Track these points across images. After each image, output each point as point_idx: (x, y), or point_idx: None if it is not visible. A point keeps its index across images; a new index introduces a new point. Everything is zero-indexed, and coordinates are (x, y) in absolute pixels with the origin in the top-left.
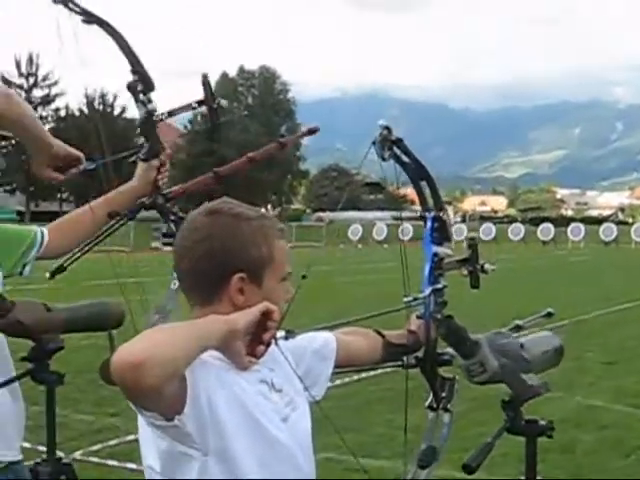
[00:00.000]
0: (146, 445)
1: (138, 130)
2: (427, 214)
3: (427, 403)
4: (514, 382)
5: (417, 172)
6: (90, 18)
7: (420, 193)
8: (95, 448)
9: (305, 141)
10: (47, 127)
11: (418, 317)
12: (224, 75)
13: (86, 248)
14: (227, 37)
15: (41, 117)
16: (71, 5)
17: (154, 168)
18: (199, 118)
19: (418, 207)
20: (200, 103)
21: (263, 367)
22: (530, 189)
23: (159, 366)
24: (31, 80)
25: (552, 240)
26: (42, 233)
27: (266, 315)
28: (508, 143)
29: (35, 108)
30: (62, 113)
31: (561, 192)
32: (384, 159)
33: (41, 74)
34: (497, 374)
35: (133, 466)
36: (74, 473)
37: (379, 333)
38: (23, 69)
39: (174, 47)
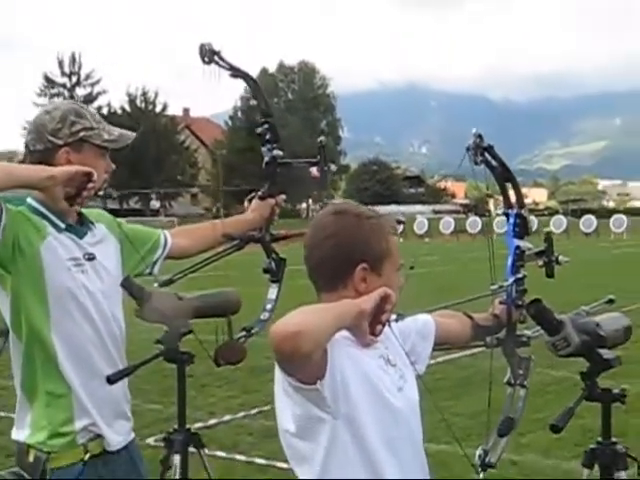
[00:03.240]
0: (282, 412)
1: (264, 169)
2: (510, 211)
3: (505, 379)
4: (592, 355)
5: (503, 174)
6: (237, 72)
7: (505, 193)
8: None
9: (345, 135)
10: None
11: (501, 302)
12: (264, 71)
13: (197, 267)
14: (266, 33)
15: None
16: (221, 63)
17: (269, 206)
18: (239, 114)
19: (458, 200)
20: (313, 164)
21: (381, 344)
22: (571, 181)
23: (312, 335)
24: (74, 79)
25: (594, 232)
26: (165, 235)
27: (384, 299)
28: (549, 134)
29: None
30: (104, 111)
31: (602, 183)
32: (477, 163)
33: (84, 73)
34: (578, 348)
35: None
36: (201, 441)
37: (468, 316)
38: (66, 68)
39: (214, 42)
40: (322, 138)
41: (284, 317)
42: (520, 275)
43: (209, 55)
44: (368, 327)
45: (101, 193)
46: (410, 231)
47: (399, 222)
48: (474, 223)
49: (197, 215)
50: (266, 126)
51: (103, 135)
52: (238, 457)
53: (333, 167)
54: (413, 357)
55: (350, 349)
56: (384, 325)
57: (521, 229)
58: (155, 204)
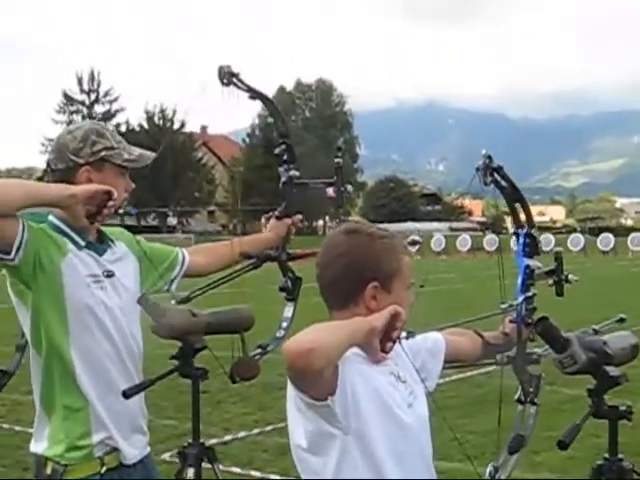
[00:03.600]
0: (295, 428)
1: (280, 188)
2: (520, 231)
3: (516, 397)
4: (599, 373)
5: (512, 195)
6: (254, 94)
7: (514, 213)
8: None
9: (362, 152)
10: None
11: (511, 321)
12: (281, 89)
13: (214, 285)
14: (284, 51)
15: None
16: (239, 84)
17: (286, 226)
18: (257, 132)
19: (475, 218)
20: (329, 185)
21: (391, 361)
22: (588, 199)
23: (324, 352)
24: (92, 96)
25: (612, 250)
26: (183, 253)
27: (395, 316)
28: (566, 152)
29: None
30: (122, 128)
31: (620, 201)
32: (486, 184)
33: (102, 90)
34: (585, 366)
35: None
36: (215, 455)
37: (479, 334)
38: (85, 85)
39: (232, 61)
40: (339, 160)
41: (297, 334)
42: (530, 294)
43: (227, 77)
44: (379, 344)
45: (121, 211)
46: (427, 248)
47: (415, 242)
48: (491, 241)
49: (214, 232)
50: (283, 146)
51: (123, 155)
52: (253, 473)
53: (350, 188)
54: (423, 374)
55: (361, 366)
56: (394, 342)
57: (531, 248)
58: (172, 221)
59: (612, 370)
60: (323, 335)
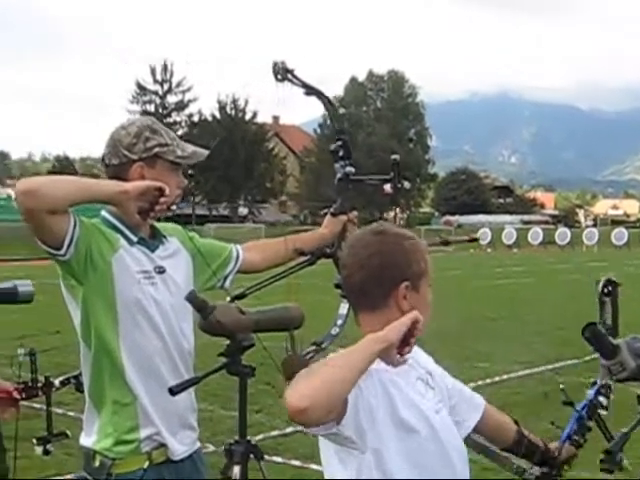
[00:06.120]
0: (322, 444)
1: (336, 186)
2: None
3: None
4: None
5: None
6: (310, 90)
7: None
8: None
9: (433, 144)
10: (180, 132)
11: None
12: (353, 80)
13: (269, 281)
14: (356, 41)
15: (175, 123)
16: (294, 80)
17: (341, 223)
18: (329, 122)
19: (547, 211)
20: (386, 181)
21: (424, 370)
22: None
23: (322, 406)
24: (165, 86)
25: None
26: (237, 250)
27: (414, 323)
28: None
29: (169, 114)
30: (195, 119)
31: None
32: None
33: (175, 80)
34: (634, 373)
35: (279, 459)
36: (261, 453)
37: (516, 423)
38: (158, 76)
39: (305, 52)
40: (396, 156)
41: (298, 380)
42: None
43: (282, 73)
44: (396, 352)
45: (173, 207)
46: (498, 241)
47: (473, 240)
48: (563, 234)
49: (285, 222)
50: (339, 143)
51: (177, 151)
52: (313, 467)
53: (407, 184)
54: (453, 417)
55: (382, 374)
56: (412, 346)
57: None
58: (243, 211)
59: None
60: (323, 387)
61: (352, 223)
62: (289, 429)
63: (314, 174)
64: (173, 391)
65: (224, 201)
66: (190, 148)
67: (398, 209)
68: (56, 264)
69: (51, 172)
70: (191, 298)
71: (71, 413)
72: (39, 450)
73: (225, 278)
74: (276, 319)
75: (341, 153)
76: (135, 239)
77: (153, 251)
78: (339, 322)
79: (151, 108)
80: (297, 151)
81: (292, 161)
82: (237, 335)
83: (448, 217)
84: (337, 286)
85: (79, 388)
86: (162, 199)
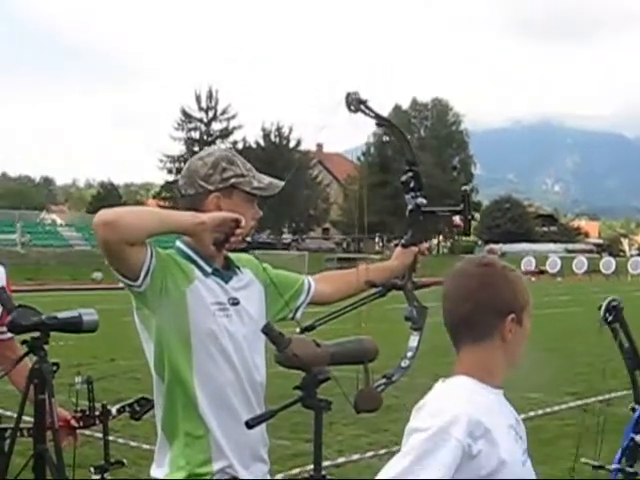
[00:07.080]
0: None
1: (407, 217)
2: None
3: None
4: None
5: None
6: (382, 121)
7: None
8: (294, 472)
9: (477, 172)
10: None
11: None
12: (397, 107)
13: (339, 313)
14: (400, 69)
15: None
16: (367, 111)
17: (412, 254)
18: (372, 150)
19: (592, 240)
20: (457, 212)
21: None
22: None
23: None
24: (210, 114)
25: None
26: (309, 281)
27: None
28: None
29: (214, 141)
30: (239, 146)
31: None
32: None
33: (220, 108)
34: None
35: None
36: None
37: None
38: (203, 103)
39: (348, 78)
40: (466, 187)
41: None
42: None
43: (355, 104)
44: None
45: (248, 239)
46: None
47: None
48: (608, 263)
49: (328, 249)
50: (410, 174)
51: (253, 182)
52: None
53: (477, 216)
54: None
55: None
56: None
57: None
58: (287, 238)
59: None
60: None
61: (422, 254)
62: (340, 459)
63: (356, 202)
64: (249, 425)
65: (267, 228)
66: (266, 179)
67: (441, 236)
68: (130, 294)
69: (96, 197)
70: (267, 330)
71: (120, 440)
72: (96, 478)
73: (297, 309)
74: (352, 352)
75: (412, 184)
76: (210, 270)
77: (227, 282)
78: (409, 354)
79: (196, 135)
80: (340, 179)
81: (335, 189)
82: (313, 368)
83: (492, 245)
84: (407, 319)
85: (134, 416)
86: (237, 230)
